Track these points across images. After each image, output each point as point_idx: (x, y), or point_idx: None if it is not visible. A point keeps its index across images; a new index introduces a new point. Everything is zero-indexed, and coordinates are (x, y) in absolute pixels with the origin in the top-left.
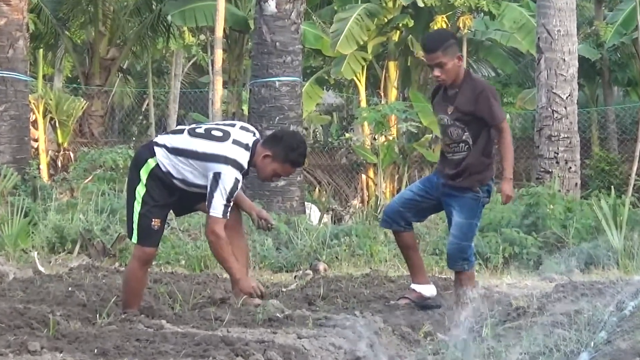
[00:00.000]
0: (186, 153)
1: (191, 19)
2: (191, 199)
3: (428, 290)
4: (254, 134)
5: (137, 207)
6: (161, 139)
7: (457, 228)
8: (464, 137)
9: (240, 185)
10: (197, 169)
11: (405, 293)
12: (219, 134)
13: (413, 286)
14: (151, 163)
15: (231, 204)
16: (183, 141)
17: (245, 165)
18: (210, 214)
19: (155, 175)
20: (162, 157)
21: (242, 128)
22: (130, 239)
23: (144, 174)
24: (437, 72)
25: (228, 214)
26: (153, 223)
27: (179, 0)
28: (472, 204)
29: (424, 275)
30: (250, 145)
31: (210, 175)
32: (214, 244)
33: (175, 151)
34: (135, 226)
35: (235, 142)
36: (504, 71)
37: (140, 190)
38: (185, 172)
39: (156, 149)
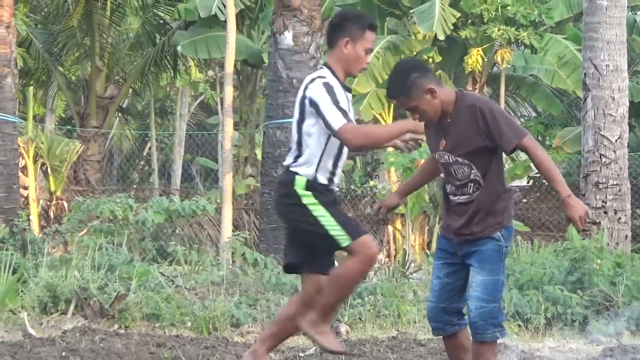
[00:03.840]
0: (303, 135)
1: (203, 50)
2: None
3: None
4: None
5: (322, 218)
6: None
7: (482, 289)
8: (472, 176)
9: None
10: (315, 133)
11: None
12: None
13: None
14: (299, 179)
15: (345, 110)
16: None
17: (332, 76)
18: (336, 130)
19: (311, 187)
20: (302, 168)
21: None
22: (342, 248)
23: (300, 190)
24: (414, 116)
25: (349, 117)
26: (347, 215)
27: (188, 30)
28: (493, 255)
29: None
30: (322, 66)
31: (311, 104)
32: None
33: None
34: (337, 231)
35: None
36: (548, 112)
37: (308, 204)
38: (317, 154)
39: (292, 169)
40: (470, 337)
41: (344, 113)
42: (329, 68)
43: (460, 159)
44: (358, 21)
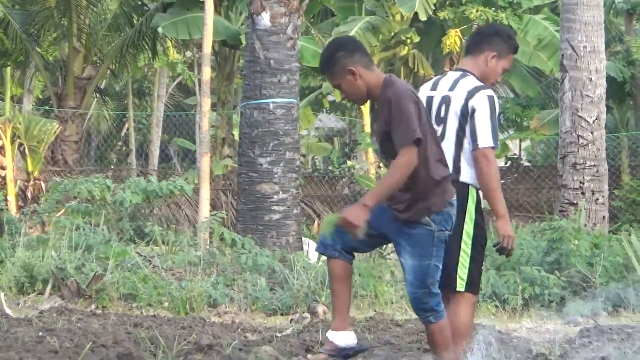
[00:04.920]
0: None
1: (184, 31)
2: None
3: (342, 339)
4: None
5: (467, 250)
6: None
7: (412, 275)
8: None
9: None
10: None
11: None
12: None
13: (328, 334)
14: (473, 191)
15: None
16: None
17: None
18: (480, 148)
19: (479, 203)
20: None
21: None
22: (454, 288)
23: (471, 205)
24: (342, 95)
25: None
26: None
27: (167, 12)
28: (423, 240)
29: (343, 320)
30: (463, 71)
31: (472, 114)
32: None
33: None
34: (466, 273)
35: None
36: (525, 93)
37: (469, 229)
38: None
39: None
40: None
41: (495, 136)
42: (474, 76)
43: (381, 146)
44: (508, 40)
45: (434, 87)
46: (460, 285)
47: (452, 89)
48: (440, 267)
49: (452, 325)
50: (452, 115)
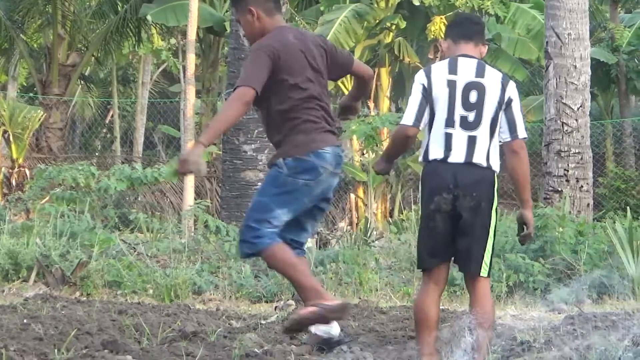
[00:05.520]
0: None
1: (172, 18)
2: None
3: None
4: None
5: (492, 233)
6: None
7: (249, 206)
8: (260, 108)
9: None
10: None
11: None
12: None
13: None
14: (497, 179)
15: None
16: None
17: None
18: (519, 138)
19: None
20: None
21: None
22: (479, 274)
23: (496, 193)
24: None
25: None
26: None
27: (154, 1)
28: (269, 179)
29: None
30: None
31: (508, 105)
32: None
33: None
34: (489, 257)
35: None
36: (513, 77)
37: (495, 216)
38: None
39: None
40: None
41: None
42: None
43: None
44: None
45: (453, 71)
46: (485, 271)
47: (480, 75)
48: (279, 212)
49: (484, 311)
50: (489, 104)
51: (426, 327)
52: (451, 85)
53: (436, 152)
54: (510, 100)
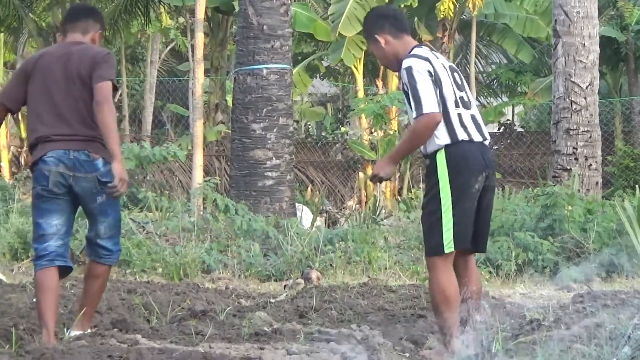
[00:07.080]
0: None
1: None
2: None
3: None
4: None
5: None
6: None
7: None
8: None
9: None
10: None
11: None
12: None
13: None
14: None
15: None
16: None
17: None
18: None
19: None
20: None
21: None
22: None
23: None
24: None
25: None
26: None
27: None
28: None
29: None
30: None
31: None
32: None
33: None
34: None
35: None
36: (519, 58)
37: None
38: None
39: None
40: None
41: None
42: None
43: None
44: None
45: (437, 57)
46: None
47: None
48: (38, 221)
49: (479, 285)
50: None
51: (456, 307)
52: (446, 68)
53: (461, 133)
54: None
